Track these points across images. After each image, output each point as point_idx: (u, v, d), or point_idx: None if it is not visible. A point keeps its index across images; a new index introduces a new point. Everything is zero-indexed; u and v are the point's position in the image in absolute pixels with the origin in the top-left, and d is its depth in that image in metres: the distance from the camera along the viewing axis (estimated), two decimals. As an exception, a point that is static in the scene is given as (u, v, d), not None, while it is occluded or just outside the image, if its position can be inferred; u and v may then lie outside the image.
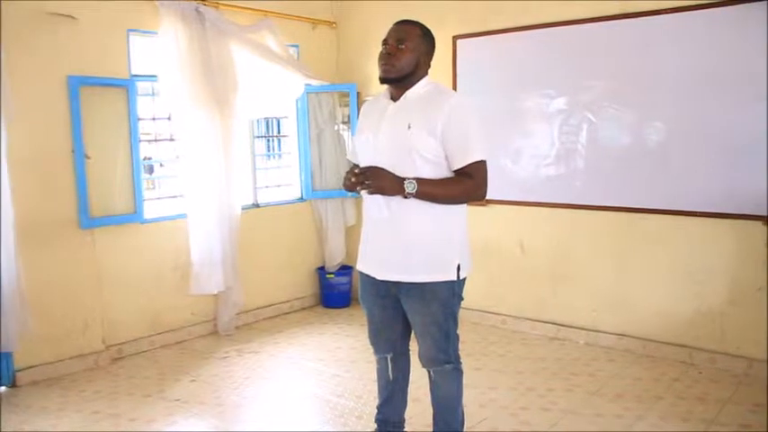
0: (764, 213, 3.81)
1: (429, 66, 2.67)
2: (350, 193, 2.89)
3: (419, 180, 2.49)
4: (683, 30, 4.02)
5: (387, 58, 2.57)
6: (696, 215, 4.07)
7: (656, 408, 3.56)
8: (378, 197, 2.57)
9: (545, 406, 3.61)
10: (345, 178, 2.59)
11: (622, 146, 4.34)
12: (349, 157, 2.91)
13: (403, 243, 2.60)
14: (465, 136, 2.52)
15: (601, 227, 4.49)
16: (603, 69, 4.37)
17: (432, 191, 2.51)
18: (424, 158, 2.52)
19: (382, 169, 2.49)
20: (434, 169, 2.54)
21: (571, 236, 4.65)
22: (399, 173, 2.52)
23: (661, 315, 4.29)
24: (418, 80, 2.63)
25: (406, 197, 2.49)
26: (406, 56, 2.56)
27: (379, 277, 2.70)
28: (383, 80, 2.62)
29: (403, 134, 2.53)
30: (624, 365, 4.18)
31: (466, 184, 2.55)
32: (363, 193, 2.58)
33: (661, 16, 4.07)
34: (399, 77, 2.58)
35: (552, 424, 3.39)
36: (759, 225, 3.85)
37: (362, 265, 2.80)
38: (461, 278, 2.66)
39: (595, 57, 4.39)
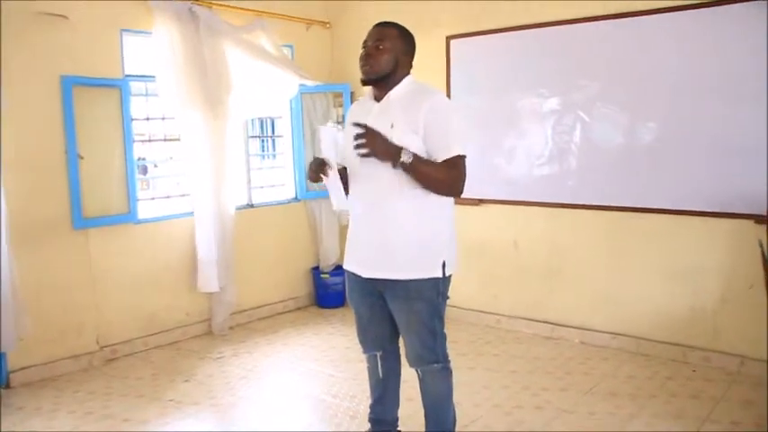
0: (756, 212, 3.82)
1: (410, 66, 2.70)
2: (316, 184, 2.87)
3: (415, 155, 2.48)
4: (676, 29, 4.03)
5: (366, 59, 2.62)
6: (689, 214, 4.08)
7: (649, 406, 3.57)
8: (365, 193, 2.60)
9: (539, 405, 3.62)
10: (309, 168, 2.66)
11: (616, 145, 4.35)
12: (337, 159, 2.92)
13: (387, 240, 2.61)
14: (446, 132, 2.54)
15: (594, 226, 4.50)
16: (597, 69, 4.38)
17: (421, 167, 2.50)
18: None
19: (380, 133, 2.48)
20: None
21: (565, 235, 4.66)
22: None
23: (655, 314, 4.30)
24: (400, 80, 2.65)
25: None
26: (385, 56, 2.60)
27: (364, 275, 2.71)
28: (364, 81, 2.67)
29: (386, 133, 2.53)
30: (618, 364, 4.19)
31: (450, 173, 2.55)
32: (351, 194, 2.59)
33: (654, 16, 4.08)
34: (379, 77, 2.62)
35: (546, 422, 3.40)
36: (750, 224, 3.86)
37: (348, 264, 2.81)
38: (447, 275, 2.66)
39: (589, 56, 4.40)
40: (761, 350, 3.86)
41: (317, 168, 2.62)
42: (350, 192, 2.76)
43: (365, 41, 2.65)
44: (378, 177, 2.59)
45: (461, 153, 2.55)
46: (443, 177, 2.55)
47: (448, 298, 2.72)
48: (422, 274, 2.60)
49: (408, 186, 2.56)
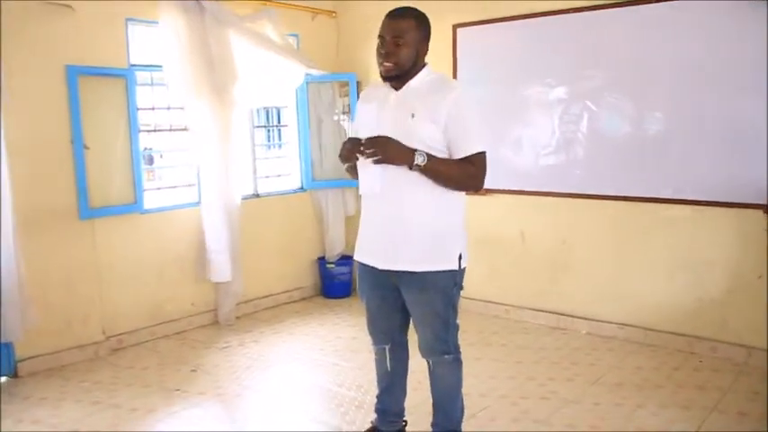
0: (764, 202, 3.80)
1: (427, 51, 2.66)
2: (348, 170, 2.80)
3: (429, 155, 2.49)
4: (683, 18, 3.99)
5: (386, 57, 2.55)
6: (696, 204, 4.06)
7: (655, 396, 3.56)
8: (377, 179, 2.57)
9: (545, 395, 3.61)
10: (343, 147, 2.60)
11: (622, 135, 4.32)
12: None
13: (404, 232, 2.59)
14: (468, 127, 2.53)
15: (601, 216, 4.48)
16: (604, 58, 4.34)
17: (437, 167, 2.51)
18: (427, 147, 2.51)
19: (390, 138, 2.48)
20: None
21: (572, 225, 4.64)
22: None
23: (662, 304, 4.28)
24: (420, 69, 2.62)
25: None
26: (405, 51, 2.54)
27: (380, 267, 2.68)
28: (385, 78, 2.62)
29: (407, 123, 2.52)
30: (625, 355, 4.18)
31: (468, 169, 2.56)
32: (361, 179, 2.56)
33: (661, 4, 4.04)
34: (401, 73, 2.58)
35: (552, 413, 3.39)
36: (759, 213, 3.83)
37: (361, 256, 2.79)
38: (462, 267, 2.65)
39: (596, 46, 4.37)
40: (769, 341, 3.85)
41: (353, 148, 2.55)
42: (360, 180, 2.74)
43: (381, 35, 2.58)
44: (393, 167, 2.56)
45: (482, 149, 2.55)
46: (460, 174, 2.55)
47: (462, 289, 2.72)
48: (439, 266, 2.59)
49: (424, 177, 2.54)
